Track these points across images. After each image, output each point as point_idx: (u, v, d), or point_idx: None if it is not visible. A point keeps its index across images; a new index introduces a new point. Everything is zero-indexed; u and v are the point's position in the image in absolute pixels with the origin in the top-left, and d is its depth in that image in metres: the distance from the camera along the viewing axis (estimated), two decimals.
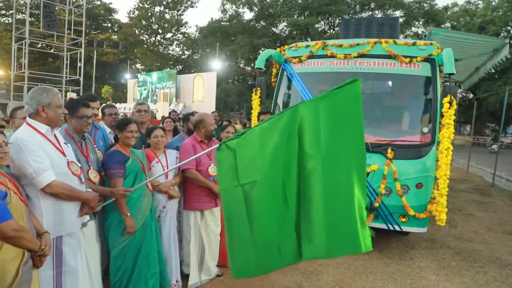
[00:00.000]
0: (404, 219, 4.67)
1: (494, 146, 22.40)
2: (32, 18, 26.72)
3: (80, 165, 2.67)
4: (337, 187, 2.44)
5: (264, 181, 2.49)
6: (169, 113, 7.34)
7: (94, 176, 2.94)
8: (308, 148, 2.47)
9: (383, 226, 4.74)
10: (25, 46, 19.32)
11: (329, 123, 2.45)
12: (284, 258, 2.56)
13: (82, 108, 2.89)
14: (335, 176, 2.44)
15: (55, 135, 2.55)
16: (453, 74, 4.67)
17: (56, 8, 20.15)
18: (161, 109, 18.42)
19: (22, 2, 26.50)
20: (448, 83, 4.74)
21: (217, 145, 2.65)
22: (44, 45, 28.22)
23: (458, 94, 8.00)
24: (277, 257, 2.56)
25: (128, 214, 3.10)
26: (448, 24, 34.08)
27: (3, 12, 34.16)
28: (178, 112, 16.11)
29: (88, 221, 2.82)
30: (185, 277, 3.84)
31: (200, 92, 20.44)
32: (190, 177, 3.77)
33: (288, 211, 2.52)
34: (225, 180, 2.57)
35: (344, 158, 2.44)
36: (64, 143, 2.63)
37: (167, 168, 3.62)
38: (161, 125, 4.95)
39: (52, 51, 30.76)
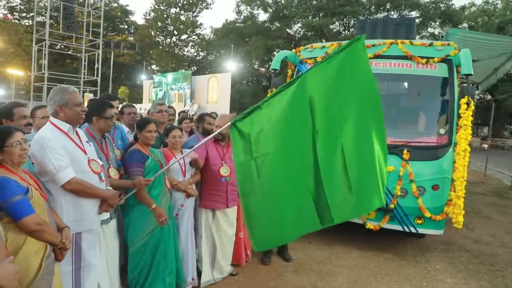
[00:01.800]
0: (420, 221, 4.63)
1: (484, 145, 22.22)
2: (52, 20, 27.29)
3: (101, 163, 2.74)
4: (358, 146, 2.47)
5: (276, 153, 2.54)
6: (179, 113, 7.40)
7: (114, 174, 3.03)
8: (322, 114, 2.49)
9: (398, 228, 4.71)
10: (45, 47, 19.73)
11: (339, 85, 2.47)
12: (302, 226, 2.60)
13: (109, 109, 2.99)
14: (355, 135, 2.47)
15: (77, 133, 2.63)
16: (471, 75, 4.61)
17: (75, 11, 20.54)
18: (176, 110, 18.59)
19: (42, 5, 27.11)
20: (465, 84, 4.69)
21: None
22: (62, 46, 28.78)
23: (476, 96, 7.88)
24: (294, 226, 2.60)
25: (154, 205, 3.16)
26: (465, 25, 33.49)
27: (24, 14, 34.96)
28: (193, 112, 16.26)
29: (108, 218, 2.88)
30: (200, 274, 3.88)
31: (215, 93, 20.51)
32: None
33: (303, 180, 2.53)
34: (239, 155, 2.62)
35: (360, 116, 2.47)
36: (86, 141, 2.70)
37: (185, 167, 3.69)
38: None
39: (70, 52, 31.34)
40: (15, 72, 29.82)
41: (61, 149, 2.39)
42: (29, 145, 2.27)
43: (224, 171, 3.85)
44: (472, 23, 32.70)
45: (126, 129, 4.13)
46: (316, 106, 2.50)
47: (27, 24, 33.68)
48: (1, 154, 2.06)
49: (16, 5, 34.39)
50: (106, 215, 2.80)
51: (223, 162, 3.87)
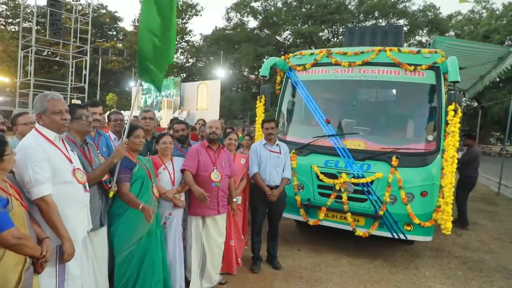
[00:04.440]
0: (409, 228, 4.63)
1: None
2: (39, 26, 27.02)
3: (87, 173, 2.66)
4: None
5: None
6: (171, 120, 7.37)
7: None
8: None
9: (387, 234, 4.70)
10: (31, 53, 19.48)
11: None
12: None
13: (78, 109, 2.85)
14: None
15: (63, 142, 2.55)
16: (458, 82, 4.65)
17: (62, 17, 20.35)
18: (165, 117, 18.47)
19: (29, 11, 26.85)
20: (452, 91, 4.72)
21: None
22: (50, 52, 28.46)
23: (463, 103, 7.97)
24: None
25: (142, 205, 3.08)
26: (452, 33, 34.13)
27: (10, 20, 34.56)
28: (182, 119, 16.16)
29: (98, 225, 2.82)
30: (189, 284, 3.81)
31: (204, 100, 20.45)
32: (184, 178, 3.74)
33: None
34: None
35: None
36: (71, 150, 2.62)
37: (174, 176, 3.64)
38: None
39: (57, 58, 31.02)
40: (1, 78, 29.36)
41: (44, 162, 2.29)
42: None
43: (215, 176, 3.81)
44: (459, 32, 33.34)
45: (113, 136, 4.06)
46: None
47: (13, 30, 33.28)
48: (2, 163, 2.01)
49: (2, 11, 34.02)
50: (90, 226, 2.72)
51: (214, 168, 3.83)
